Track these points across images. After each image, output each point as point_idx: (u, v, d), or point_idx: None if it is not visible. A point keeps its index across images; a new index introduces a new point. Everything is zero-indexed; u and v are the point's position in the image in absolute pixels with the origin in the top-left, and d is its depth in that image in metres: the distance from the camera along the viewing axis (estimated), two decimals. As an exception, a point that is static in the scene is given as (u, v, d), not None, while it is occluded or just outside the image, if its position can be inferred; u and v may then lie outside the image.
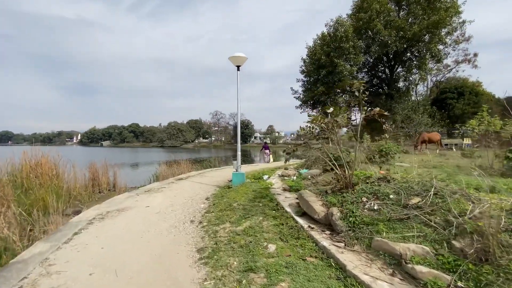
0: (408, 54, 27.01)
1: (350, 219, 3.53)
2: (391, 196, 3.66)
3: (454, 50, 27.14)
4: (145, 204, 6.27)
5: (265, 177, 9.13)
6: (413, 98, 34.15)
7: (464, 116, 34.47)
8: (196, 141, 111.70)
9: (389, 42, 23.97)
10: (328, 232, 3.69)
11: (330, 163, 4.95)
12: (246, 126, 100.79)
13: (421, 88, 39.15)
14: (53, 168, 10.69)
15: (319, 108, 30.87)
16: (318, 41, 26.75)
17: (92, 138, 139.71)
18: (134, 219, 5.16)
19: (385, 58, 29.70)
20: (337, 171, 4.82)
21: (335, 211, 3.79)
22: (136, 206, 6.15)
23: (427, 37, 25.08)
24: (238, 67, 7.64)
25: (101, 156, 14.32)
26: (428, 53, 25.61)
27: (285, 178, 8.54)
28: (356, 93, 4.19)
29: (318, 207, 4.15)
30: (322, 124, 4.84)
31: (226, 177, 10.27)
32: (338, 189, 4.59)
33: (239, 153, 7.94)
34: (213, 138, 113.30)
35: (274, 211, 4.94)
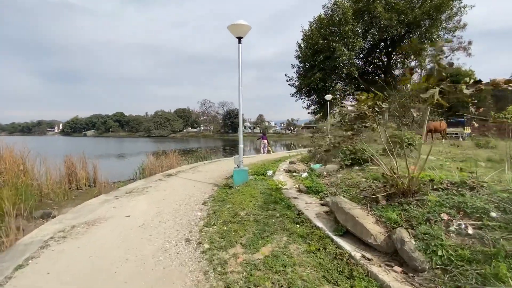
0: (407, 40, 25.94)
1: (439, 252, 2.29)
2: (493, 214, 2.45)
3: (454, 36, 26.20)
4: (125, 213, 4.88)
5: (269, 172, 7.87)
6: (408, 86, 33.38)
7: (458, 104, 34.24)
8: (185, 130, 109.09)
9: (389, 26, 22.80)
10: (397, 268, 2.46)
11: (377, 159, 3.71)
12: (236, 115, 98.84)
13: (414, 76, 38.55)
14: (19, 163, 9.12)
15: (314, 96, 29.67)
16: (315, 24, 25.24)
17: (74, 128, 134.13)
18: (107, 238, 3.79)
19: (382, 44, 28.60)
20: (385, 171, 3.59)
21: (406, 236, 2.55)
22: (113, 215, 4.76)
23: (427, 22, 24.10)
24: (239, 38, 6.19)
25: (83, 147, 12.70)
26: (428, 39, 24.66)
27: (294, 174, 7.29)
28: (439, 56, 2.90)
29: (371, 226, 2.90)
30: (368, 107, 3.55)
31: (223, 173, 8.95)
32: (388, 196, 3.36)
33: (241, 145, 6.59)
34: (202, 128, 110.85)
35: (298, 226, 3.68)
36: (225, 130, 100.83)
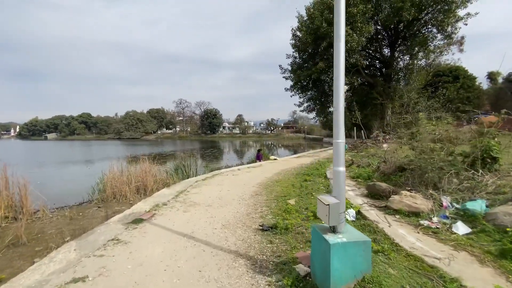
0: (415, 28, 23.19)
1: None
2: None
3: (465, 24, 23.83)
4: None
5: (350, 214, 3.81)
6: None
7: (457, 100, 32.42)
8: (159, 132, 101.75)
9: (401, 9, 19.78)
10: None
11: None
12: (214, 116, 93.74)
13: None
14: None
15: (311, 92, 26.03)
16: (313, 8, 21.58)
17: (34, 130, 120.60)
18: None
19: (381, 35, 25.79)
20: None
21: None
22: None
23: (439, 6, 21.45)
24: None
25: (34, 153, 7.80)
26: (438, 27, 22.12)
27: (424, 223, 3.28)
28: None
29: None
30: None
31: (240, 208, 4.74)
32: None
33: (341, 169, 2.35)
34: (178, 129, 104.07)
35: None
36: (203, 131, 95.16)
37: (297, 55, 24.29)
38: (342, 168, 2.31)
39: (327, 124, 47.59)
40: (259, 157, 14.63)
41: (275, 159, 13.08)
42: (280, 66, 25.33)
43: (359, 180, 6.29)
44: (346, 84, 19.66)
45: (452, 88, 31.31)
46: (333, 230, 2.23)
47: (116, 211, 7.22)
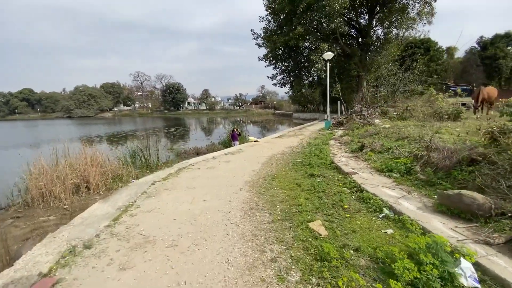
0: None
1: None
2: None
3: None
4: None
5: (469, 275, 1.81)
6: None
7: (427, 72, 32.36)
8: (116, 109, 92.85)
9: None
10: None
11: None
12: (177, 90, 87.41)
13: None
14: None
15: (287, 62, 23.65)
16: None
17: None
18: None
19: (359, 0, 23.84)
20: None
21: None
22: None
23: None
24: None
25: None
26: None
27: None
28: None
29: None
30: None
31: (222, 246, 2.44)
32: None
33: None
34: (137, 105, 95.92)
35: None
36: (166, 107, 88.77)
37: (271, 18, 21.45)
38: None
39: (297, 100, 45.85)
40: (234, 137, 12.39)
41: (255, 141, 10.90)
42: (252, 30, 22.36)
43: (394, 175, 4.38)
44: (329, 51, 17.57)
45: (421, 61, 31.16)
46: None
47: (38, 227, 4.77)
